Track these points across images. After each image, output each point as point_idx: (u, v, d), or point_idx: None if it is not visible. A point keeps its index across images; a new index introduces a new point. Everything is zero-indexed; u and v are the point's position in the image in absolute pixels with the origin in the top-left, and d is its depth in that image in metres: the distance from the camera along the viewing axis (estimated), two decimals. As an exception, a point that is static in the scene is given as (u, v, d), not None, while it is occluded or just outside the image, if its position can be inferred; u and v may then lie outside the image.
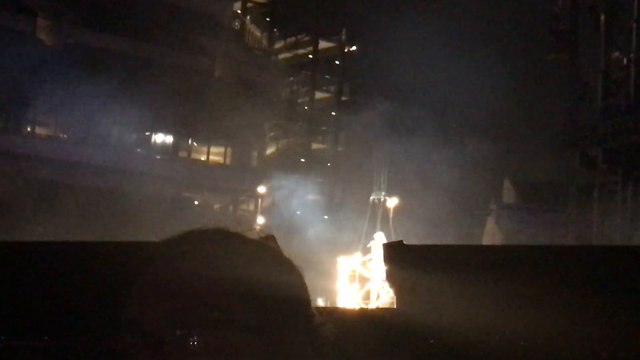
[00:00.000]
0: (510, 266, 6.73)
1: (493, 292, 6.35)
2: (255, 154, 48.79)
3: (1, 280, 6.76)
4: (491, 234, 44.53)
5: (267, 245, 1.53)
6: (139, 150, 44.22)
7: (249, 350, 1.33)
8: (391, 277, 7.60)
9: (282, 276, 1.45)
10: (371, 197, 39.61)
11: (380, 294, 29.88)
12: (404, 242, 8.07)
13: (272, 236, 1.64)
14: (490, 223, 44.92)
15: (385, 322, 6.93)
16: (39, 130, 42.07)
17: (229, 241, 1.47)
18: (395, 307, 7.93)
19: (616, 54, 41.60)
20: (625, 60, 40.99)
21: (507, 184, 46.21)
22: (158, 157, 44.46)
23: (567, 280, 6.45)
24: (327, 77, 53.88)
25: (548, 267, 6.71)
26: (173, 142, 45.24)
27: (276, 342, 1.36)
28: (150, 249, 1.46)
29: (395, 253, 7.52)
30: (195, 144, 46.56)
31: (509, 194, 46.01)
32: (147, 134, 44.67)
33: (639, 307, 6.08)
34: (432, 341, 6.27)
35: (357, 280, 35.51)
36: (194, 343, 1.30)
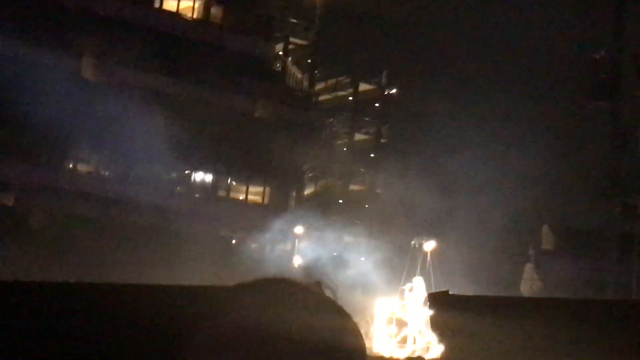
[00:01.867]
0: (548, 317, 6.74)
1: (532, 342, 6.37)
2: (293, 194, 48.89)
3: (53, 319, 6.83)
4: (529, 280, 44.14)
5: (323, 294, 1.57)
6: (178, 188, 44.48)
7: None
8: (435, 324, 7.64)
9: (339, 325, 1.49)
10: (412, 242, 39.48)
11: (417, 339, 29.57)
12: (449, 292, 8.16)
13: (319, 282, 1.69)
14: (529, 269, 44.54)
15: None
16: (81, 167, 42.53)
17: (291, 292, 1.52)
18: (438, 355, 7.95)
19: (658, 101, 41.44)
20: (667, 108, 40.82)
21: (546, 230, 45.85)
22: (197, 195, 44.69)
23: (604, 333, 6.44)
24: (366, 119, 54.07)
25: (585, 319, 6.71)
26: (212, 181, 45.47)
27: None
28: (216, 297, 1.51)
29: (440, 301, 7.58)
30: (234, 183, 46.76)
31: (547, 240, 45.64)
32: (187, 172, 44.96)
33: None
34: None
35: (394, 323, 35.23)
36: None
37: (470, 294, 39.55)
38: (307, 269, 40.84)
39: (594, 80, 41.65)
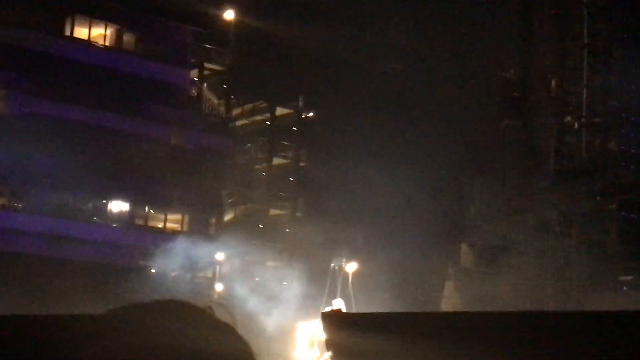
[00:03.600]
0: (444, 332, 6.77)
1: (427, 357, 6.39)
2: (213, 220, 48.60)
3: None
4: (450, 298, 44.57)
5: (210, 314, 1.54)
6: (95, 218, 43.84)
7: None
8: (330, 344, 7.62)
9: (227, 344, 1.46)
10: (332, 264, 39.61)
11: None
12: (341, 310, 8.14)
13: (210, 307, 1.67)
14: (449, 287, 44.99)
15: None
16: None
17: (173, 312, 1.49)
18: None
19: (568, 118, 42.38)
20: (576, 125, 41.78)
21: (464, 247, 46.41)
22: (114, 225, 44.11)
23: (508, 345, 6.49)
24: (284, 143, 54.13)
25: (481, 332, 6.76)
26: (129, 210, 44.92)
27: None
28: (95, 322, 1.46)
29: (333, 321, 7.57)
30: (152, 212, 46.29)
31: (466, 258, 46.18)
32: (103, 202, 44.35)
33: None
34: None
35: (315, 346, 35.25)
36: None
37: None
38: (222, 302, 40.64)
39: (504, 98, 42.48)
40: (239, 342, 1.53)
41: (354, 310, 36.79)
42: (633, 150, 39.16)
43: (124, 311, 1.49)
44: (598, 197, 38.74)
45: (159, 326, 1.44)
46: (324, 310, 35.51)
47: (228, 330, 1.53)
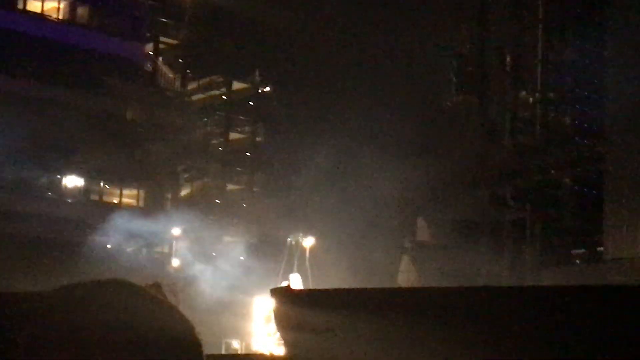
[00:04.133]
0: (394, 308, 6.80)
1: (375, 335, 6.41)
2: (169, 195, 48.39)
3: None
4: (406, 272, 44.87)
5: (152, 294, 1.54)
6: (49, 194, 43.42)
7: None
8: (278, 321, 7.61)
9: (169, 323, 1.46)
10: (288, 239, 39.67)
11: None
12: (290, 286, 8.17)
13: (158, 283, 1.65)
14: (405, 261, 45.27)
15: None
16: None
17: (114, 291, 1.48)
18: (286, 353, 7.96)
19: (523, 93, 42.69)
20: (531, 100, 42.11)
21: (420, 221, 46.71)
22: (69, 200, 43.73)
23: (457, 321, 6.54)
24: (241, 118, 53.90)
25: (429, 308, 6.79)
26: (84, 185, 44.54)
27: None
28: (34, 301, 1.46)
29: (282, 296, 7.55)
30: (108, 187, 45.95)
31: (422, 232, 46.51)
32: (57, 177, 43.92)
33: (542, 346, 6.23)
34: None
35: (272, 321, 35.28)
36: None
37: (347, 286, 40.03)
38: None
39: (460, 74, 42.65)
40: (181, 321, 1.52)
41: (310, 284, 36.94)
42: (587, 125, 39.59)
43: (65, 290, 1.48)
44: (552, 171, 39.17)
45: (99, 305, 1.44)
46: (272, 287, 35.63)
47: (170, 310, 1.53)
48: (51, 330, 1.42)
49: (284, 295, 7.64)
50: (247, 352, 32.43)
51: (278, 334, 32.20)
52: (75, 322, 1.42)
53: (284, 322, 7.36)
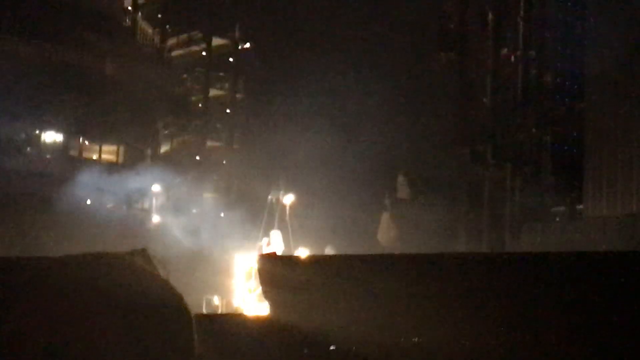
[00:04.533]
0: (374, 274, 6.86)
1: (360, 299, 6.47)
2: (149, 152, 48.18)
3: None
4: (386, 229, 45.10)
5: (144, 268, 1.53)
6: (28, 149, 43.12)
7: None
8: (264, 285, 7.70)
9: (160, 295, 1.46)
10: (269, 196, 39.64)
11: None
12: (276, 254, 8.29)
13: (145, 249, 1.64)
14: (385, 218, 45.48)
15: (262, 331, 7.00)
16: None
17: (114, 264, 1.48)
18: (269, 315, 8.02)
19: (504, 51, 42.69)
20: (513, 58, 42.11)
21: (401, 179, 46.86)
22: (48, 156, 43.45)
23: (438, 287, 6.58)
24: (221, 74, 53.53)
25: (409, 274, 6.85)
26: (63, 141, 44.25)
27: (153, 350, 1.36)
28: (31, 271, 1.45)
29: (267, 263, 7.67)
30: (87, 143, 45.67)
31: (402, 189, 46.68)
32: (36, 132, 43.59)
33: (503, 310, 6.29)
34: (306, 351, 6.37)
35: (253, 278, 35.43)
36: None
37: (328, 243, 40.20)
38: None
39: (442, 32, 42.54)
40: (172, 293, 1.53)
41: (290, 241, 37.04)
42: (567, 84, 39.67)
43: (63, 261, 1.47)
44: (533, 130, 39.31)
45: (96, 277, 1.44)
46: (260, 252, 35.76)
47: (162, 283, 1.53)
48: (46, 301, 1.41)
49: (269, 261, 7.75)
50: (227, 308, 32.56)
51: (260, 293, 32.34)
52: (74, 290, 1.41)
53: (269, 285, 7.45)
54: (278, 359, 6.29)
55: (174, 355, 1.18)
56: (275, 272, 7.08)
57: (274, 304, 7.11)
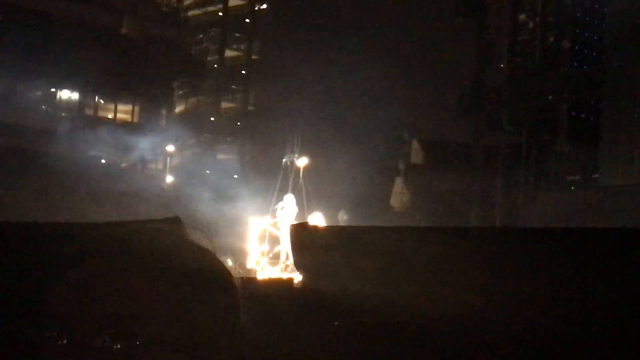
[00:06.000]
0: (405, 246, 6.87)
1: (390, 271, 6.49)
2: (163, 112, 48.19)
3: None
4: (399, 194, 45.11)
5: (181, 233, 1.54)
6: (43, 107, 43.20)
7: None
8: (297, 256, 7.71)
9: (208, 267, 1.47)
10: (283, 159, 39.62)
11: (289, 255, 30.00)
12: (308, 223, 8.26)
13: (178, 218, 1.65)
14: (399, 183, 45.47)
15: (294, 300, 7.02)
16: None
17: (162, 233, 1.49)
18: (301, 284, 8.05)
19: (522, 16, 42.28)
20: (531, 24, 41.72)
21: (415, 144, 46.76)
22: (64, 114, 43.53)
23: (459, 259, 6.60)
24: (237, 35, 53.32)
25: (440, 247, 6.86)
26: (79, 99, 44.29)
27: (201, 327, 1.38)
28: (82, 239, 1.45)
29: (300, 233, 7.64)
30: (102, 102, 45.70)
31: (416, 154, 46.61)
32: (52, 90, 43.63)
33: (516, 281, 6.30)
34: (336, 323, 6.39)
35: (267, 241, 35.58)
36: (119, 353, 1.29)
37: (342, 209, 40.27)
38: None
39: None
40: (220, 265, 1.53)
41: (304, 205, 37.08)
42: (586, 50, 39.31)
43: (112, 230, 1.47)
44: (550, 97, 39.05)
45: (145, 244, 1.44)
46: (274, 215, 35.82)
47: (212, 255, 1.53)
48: (97, 271, 1.41)
49: (302, 230, 7.74)
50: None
51: (291, 263, 32.45)
52: (121, 259, 1.42)
53: (301, 254, 7.45)
54: (312, 328, 6.32)
55: (222, 324, 1.19)
56: (309, 241, 7.09)
57: (306, 274, 7.14)
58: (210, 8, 52.39)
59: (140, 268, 1.41)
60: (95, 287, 1.39)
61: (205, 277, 1.47)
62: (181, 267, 1.44)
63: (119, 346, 1.33)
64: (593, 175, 35.76)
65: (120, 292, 1.38)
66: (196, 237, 1.57)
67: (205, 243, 1.56)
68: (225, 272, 1.53)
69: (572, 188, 37.28)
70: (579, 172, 37.13)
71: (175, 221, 1.63)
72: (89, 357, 1.33)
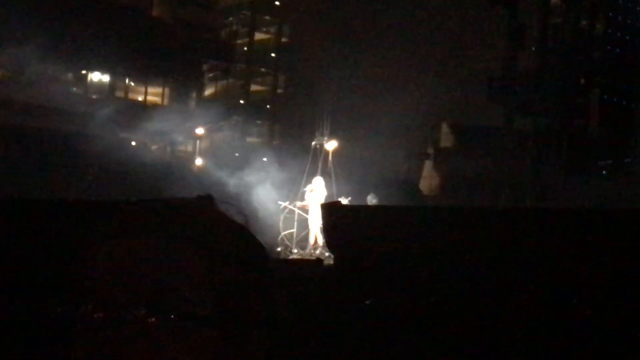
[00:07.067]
0: (435, 225, 6.84)
1: (422, 250, 6.47)
2: (193, 94, 48.31)
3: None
4: (429, 177, 44.97)
5: (226, 216, 1.53)
6: (74, 89, 43.44)
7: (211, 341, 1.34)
8: (327, 230, 7.72)
9: (245, 245, 1.46)
10: (313, 142, 39.59)
11: (318, 239, 29.98)
12: (341, 202, 8.30)
13: (211, 195, 1.63)
14: (428, 166, 45.33)
15: (330, 278, 7.04)
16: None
17: (203, 210, 1.48)
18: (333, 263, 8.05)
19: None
20: (563, 6, 41.36)
21: (444, 128, 46.58)
22: (94, 96, 43.76)
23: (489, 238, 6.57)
24: (266, 18, 53.29)
25: (472, 227, 6.82)
26: (110, 81, 44.50)
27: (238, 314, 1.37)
28: (118, 214, 1.45)
29: (332, 212, 7.66)
30: (133, 84, 45.88)
31: (446, 138, 46.43)
32: (83, 72, 43.86)
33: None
34: (367, 302, 6.39)
35: (295, 223, 35.57)
36: (154, 326, 1.29)
37: (371, 192, 40.23)
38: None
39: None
40: (257, 243, 1.51)
41: (333, 187, 37.07)
42: (619, 34, 38.91)
43: (147, 206, 1.45)
44: (582, 80, 38.72)
45: (184, 221, 1.43)
46: (303, 198, 35.83)
47: (245, 230, 1.51)
48: (135, 240, 1.41)
49: (334, 209, 7.77)
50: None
51: (323, 243, 32.48)
52: (158, 233, 1.41)
53: (332, 231, 7.47)
54: (343, 307, 6.33)
55: (257, 301, 1.18)
56: (341, 220, 7.10)
57: (338, 253, 7.15)
58: (240, -10, 52.42)
59: (176, 243, 1.41)
60: (131, 262, 1.39)
61: (241, 253, 1.46)
62: (217, 242, 1.43)
63: (153, 320, 1.33)
64: (625, 160, 35.47)
65: (156, 266, 1.38)
66: (229, 212, 1.56)
67: (238, 218, 1.55)
68: (260, 248, 1.52)
69: (604, 173, 37.00)
70: (610, 156, 36.82)
71: (209, 198, 1.61)
72: (124, 330, 1.33)
